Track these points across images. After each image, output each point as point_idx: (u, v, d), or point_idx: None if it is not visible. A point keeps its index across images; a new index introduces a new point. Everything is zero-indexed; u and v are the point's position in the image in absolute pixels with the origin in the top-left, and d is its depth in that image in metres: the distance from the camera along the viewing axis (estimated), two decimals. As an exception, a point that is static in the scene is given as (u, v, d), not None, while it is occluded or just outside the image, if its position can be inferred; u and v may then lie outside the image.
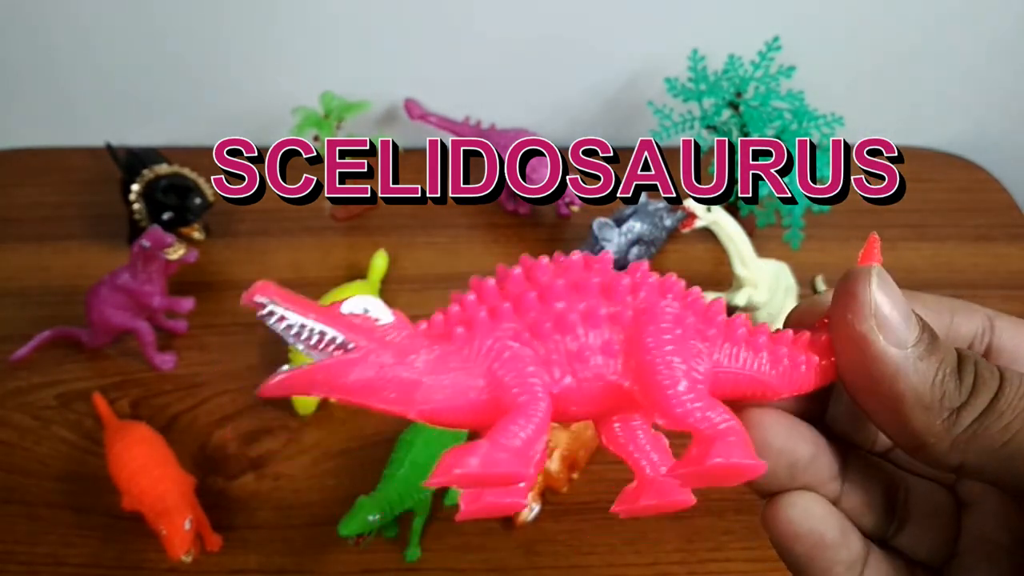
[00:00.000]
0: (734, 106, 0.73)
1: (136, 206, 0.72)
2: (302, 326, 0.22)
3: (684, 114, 0.75)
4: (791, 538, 0.25)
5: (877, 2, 0.80)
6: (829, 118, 0.71)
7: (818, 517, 0.25)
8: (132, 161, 0.74)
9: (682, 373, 0.23)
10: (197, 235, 0.74)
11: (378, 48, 0.82)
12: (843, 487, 0.27)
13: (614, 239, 0.68)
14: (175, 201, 0.72)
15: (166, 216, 0.72)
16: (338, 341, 0.22)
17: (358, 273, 0.72)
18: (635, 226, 0.70)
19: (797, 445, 0.25)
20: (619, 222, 0.70)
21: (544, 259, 0.25)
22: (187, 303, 0.66)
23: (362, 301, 0.23)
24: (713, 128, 0.75)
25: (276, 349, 0.65)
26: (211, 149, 0.83)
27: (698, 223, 0.63)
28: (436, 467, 0.21)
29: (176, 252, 0.63)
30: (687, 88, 0.74)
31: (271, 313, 0.22)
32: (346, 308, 0.23)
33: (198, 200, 0.72)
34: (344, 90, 0.77)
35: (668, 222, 0.73)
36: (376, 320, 0.23)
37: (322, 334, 0.22)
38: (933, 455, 0.23)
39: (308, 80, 0.80)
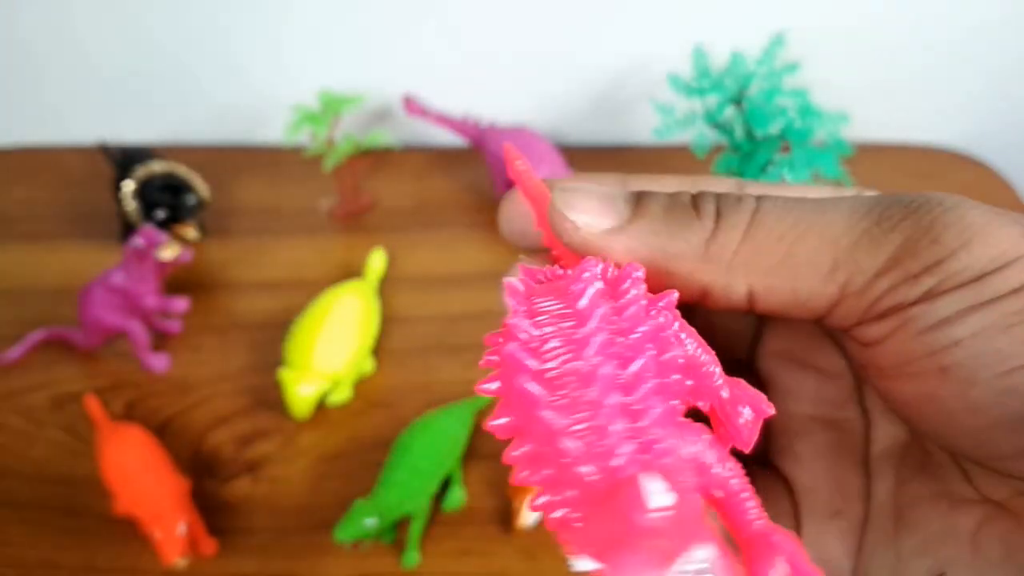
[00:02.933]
0: (737, 103, 0.72)
1: (129, 205, 0.71)
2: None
3: (687, 111, 0.74)
4: None
5: (882, -3, 0.79)
6: (834, 115, 0.70)
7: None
8: (125, 159, 0.73)
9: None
10: (191, 234, 0.73)
11: (373, 44, 0.82)
12: None
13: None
14: (169, 199, 0.71)
15: (160, 215, 0.71)
16: None
17: (356, 273, 0.71)
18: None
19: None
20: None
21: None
22: (181, 303, 0.65)
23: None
24: (716, 125, 0.74)
25: (271, 350, 0.64)
26: (206, 147, 0.83)
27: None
28: None
29: (170, 251, 0.63)
30: (690, 85, 0.73)
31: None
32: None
33: (192, 199, 0.71)
34: (340, 87, 0.76)
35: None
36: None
37: None
38: (718, 293, 0.22)
39: (304, 77, 0.79)
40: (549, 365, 0.20)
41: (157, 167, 0.72)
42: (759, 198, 0.22)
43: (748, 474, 0.22)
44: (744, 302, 0.22)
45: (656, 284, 0.22)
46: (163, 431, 0.61)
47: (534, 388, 0.19)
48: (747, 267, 0.22)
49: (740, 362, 0.28)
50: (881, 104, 0.85)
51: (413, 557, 0.54)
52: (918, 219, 0.21)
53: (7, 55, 0.82)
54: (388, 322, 0.69)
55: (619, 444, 0.19)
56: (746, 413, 0.22)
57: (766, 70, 0.72)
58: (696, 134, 0.75)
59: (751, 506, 0.20)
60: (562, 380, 0.20)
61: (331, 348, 0.61)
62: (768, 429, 0.26)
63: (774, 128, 0.70)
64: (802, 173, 0.68)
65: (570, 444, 0.19)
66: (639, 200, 0.23)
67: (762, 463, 0.27)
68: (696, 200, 0.22)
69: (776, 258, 0.21)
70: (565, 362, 0.20)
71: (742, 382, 0.22)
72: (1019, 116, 0.88)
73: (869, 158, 0.80)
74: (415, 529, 0.55)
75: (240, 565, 0.55)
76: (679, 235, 0.22)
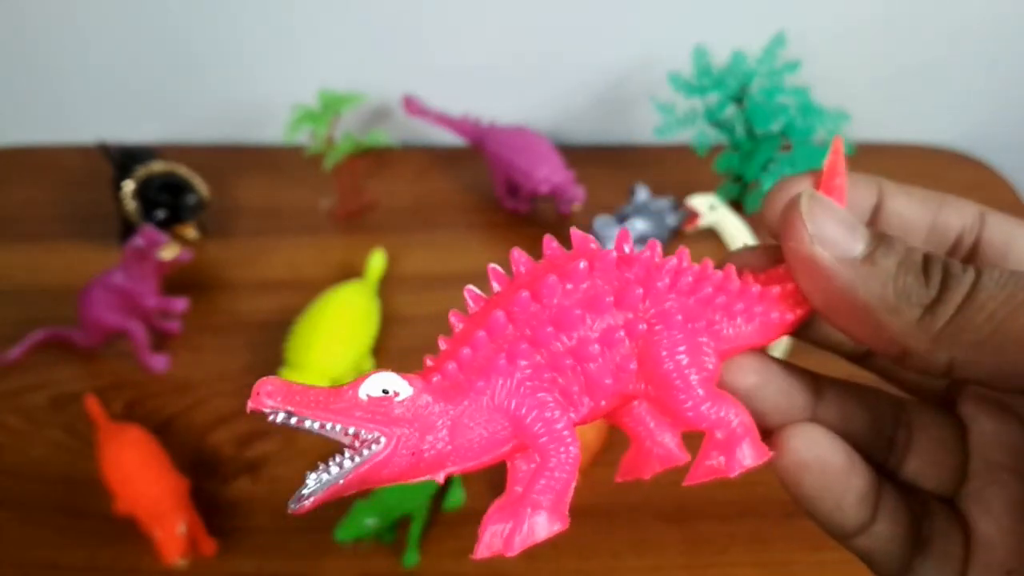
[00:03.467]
0: (738, 101, 0.72)
1: (130, 204, 0.71)
2: (323, 426, 0.22)
3: (687, 110, 0.74)
4: (799, 469, 0.25)
5: (883, -3, 0.79)
6: (835, 114, 0.70)
7: (823, 445, 0.25)
8: (125, 159, 0.73)
9: (696, 381, 0.24)
10: (191, 234, 0.73)
11: (373, 44, 0.82)
12: (826, 420, 0.26)
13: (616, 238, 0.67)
14: (169, 199, 0.71)
15: (160, 215, 0.71)
16: (362, 435, 0.22)
17: (355, 273, 0.71)
18: (637, 224, 0.69)
19: (773, 380, 0.26)
20: (621, 220, 0.69)
21: (550, 267, 0.24)
22: (181, 303, 0.65)
23: (380, 380, 0.22)
24: (717, 124, 0.74)
25: (271, 350, 0.64)
26: (206, 147, 0.83)
27: (701, 222, 0.62)
28: (480, 539, 0.22)
29: (170, 251, 0.63)
30: (691, 83, 0.73)
31: (287, 417, 0.21)
32: (364, 391, 0.22)
33: (193, 198, 0.71)
34: (340, 86, 0.76)
35: (671, 220, 0.73)
36: (395, 396, 0.22)
37: (343, 429, 0.22)
38: (919, 358, 0.23)
39: (304, 77, 0.79)
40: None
41: (157, 167, 0.72)
42: (979, 272, 0.22)
43: (927, 506, 0.25)
44: (943, 371, 0.23)
45: (854, 326, 0.23)
46: (163, 431, 0.61)
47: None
48: (953, 340, 0.22)
49: (938, 396, 0.28)
50: (881, 104, 0.85)
51: (413, 557, 0.54)
52: None
53: (8, 55, 0.82)
54: (388, 322, 0.68)
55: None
56: (666, 440, 0.25)
57: (767, 69, 0.72)
58: (697, 133, 0.75)
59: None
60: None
61: (331, 348, 0.61)
62: (962, 469, 0.26)
63: (775, 126, 0.70)
64: (802, 171, 0.68)
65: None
66: (878, 244, 0.23)
67: (946, 499, 0.27)
68: (926, 265, 0.23)
69: (984, 334, 0.22)
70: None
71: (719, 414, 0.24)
72: (1019, 116, 0.88)
73: (869, 158, 0.80)
74: (415, 529, 0.55)
75: (240, 565, 0.55)
76: (903, 296, 0.22)
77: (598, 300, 0.24)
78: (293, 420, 0.21)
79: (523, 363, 0.23)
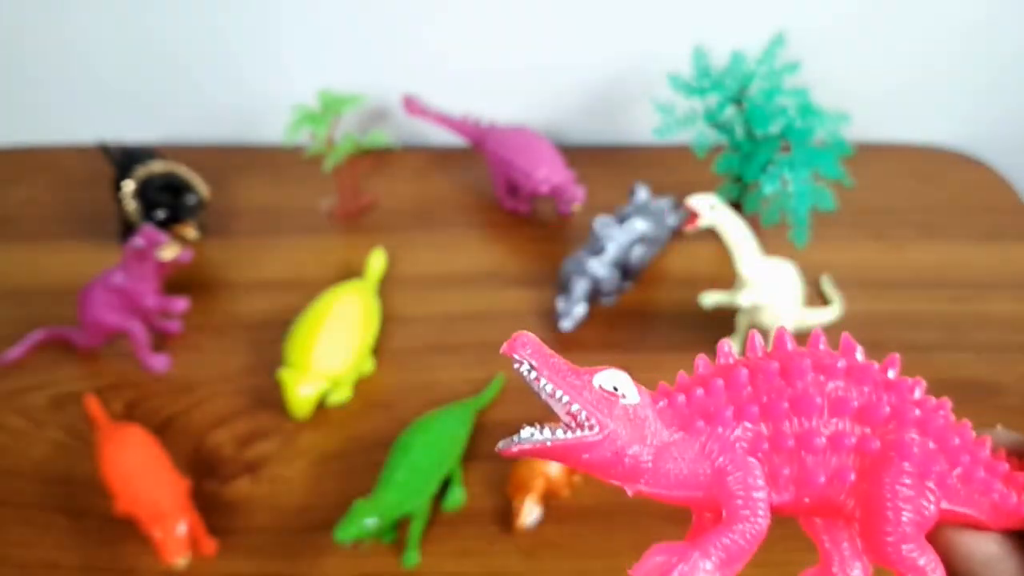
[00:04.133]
0: (738, 102, 0.72)
1: (130, 204, 0.71)
2: (554, 392, 0.23)
3: (687, 110, 0.74)
4: None
5: (882, -3, 0.79)
6: (835, 115, 0.70)
7: None
8: (125, 159, 0.73)
9: (908, 519, 0.23)
10: (191, 234, 0.73)
11: (373, 44, 0.82)
12: None
13: (616, 237, 0.68)
14: (169, 199, 0.71)
15: (160, 215, 0.71)
16: (582, 417, 0.23)
17: (356, 273, 0.71)
18: (637, 224, 0.69)
19: (985, 545, 0.25)
20: (621, 220, 0.69)
21: (813, 350, 0.25)
22: (181, 303, 0.65)
23: (614, 377, 0.24)
24: (716, 125, 0.74)
25: (271, 350, 0.64)
26: (206, 147, 0.83)
27: (701, 222, 0.62)
28: (642, 560, 0.23)
29: (170, 251, 0.63)
30: (690, 84, 0.73)
31: (529, 371, 0.23)
32: (598, 381, 0.23)
33: (192, 199, 0.71)
34: (340, 87, 0.76)
35: (671, 220, 0.73)
36: (622, 398, 0.24)
37: (569, 403, 0.23)
38: None
39: (304, 77, 0.79)
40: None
41: (157, 167, 0.72)
42: None
43: None
44: None
45: None
46: (163, 431, 0.61)
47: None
48: None
49: None
50: (881, 104, 0.85)
51: (413, 557, 0.54)
52: None
53: (7, 55, 0.82)
54: (388, 322, 0.68)
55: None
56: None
57: (766, 70, 0.72)
58: (696, 134, 0.75)
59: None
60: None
61: (331, 348, 0.61)
62: None
63: (774, 127, 0.70)
64: (802, 173, 0.68)
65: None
66: None
67: None
68: None
69: None
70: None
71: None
72: (1019, 116, 0.88)
73: (869, 158, 0.80)
74: (415, 529, 0.55)
75: (240, 565, 0.55)
76: None
77: (843, 402, 0.24)
78: (533, 375, 0.23)
79: (748, 425, 0.24)
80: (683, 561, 0.22)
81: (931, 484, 0.24)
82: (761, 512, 0.23)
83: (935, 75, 0.84)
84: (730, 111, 0.73)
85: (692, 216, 0.62)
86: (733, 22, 0.78)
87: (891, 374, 0.25)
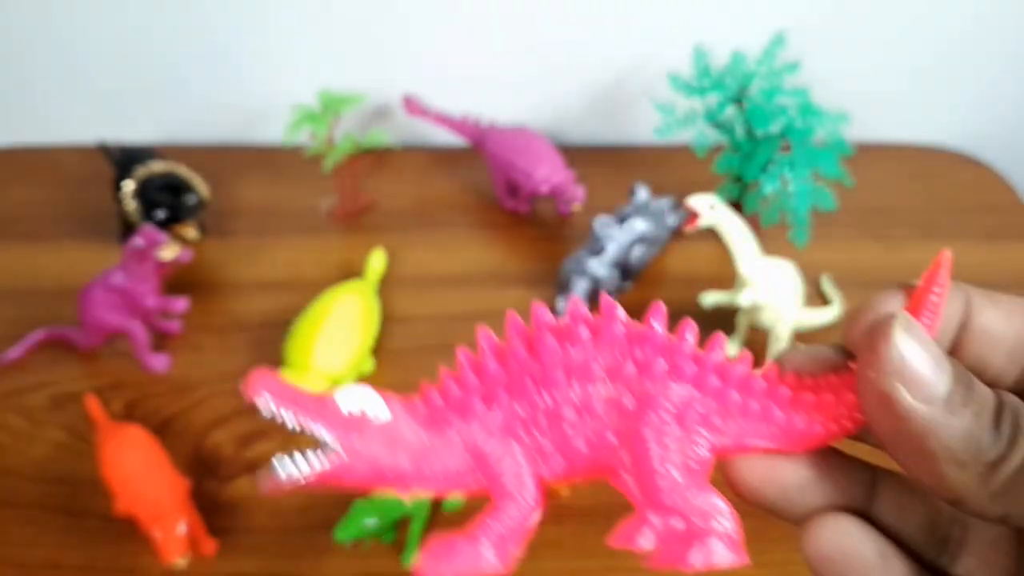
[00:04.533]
0: (738, 102, 0.72)
1: (130, 204, 0.71)
2: (300, 426, 0.24)
3: (687, 110, 0.74)
4: (822, 562, 0.24)
5: (883, -3, 0.79)
6: (835, 115, 0.70)
7: (851, 539, 0.24)
8: (125, 159, 0.73)
9: (678, 469, 0.24)
10: (191, 234, 0.73)
11: (373, 44, 0.82)
12: (879, 510, 0.25)
13: (616, 237, 0.67)
14: (169, 199, 0.71)
15: (160, 215, 0.71)
16: (331, 441, 0.24)
17: (355, 273, 0.71)
18: (637, 224, 0.69)
19: (781, 474, 0.25)
20: (621, 220, 0.69)
21: (554, 329, 0.25)
22: (181, 303, 0.65)
23: (358, 395, 0.24)
24: (717, 125, 0.74)
25: (271, 350, 0.64)
26: (206, 147, 0.82)
27: (701, 222, 0.62)
28: (425, 556, 0.24)
29: (170, 251, 0.63)
30: (690, 84, 0.73)
31: (271, 410, 0.23)
32: (344, 404, 0.24)
33: (192, 199, 0.71)
34: (340, 86, 0.76)
35: (671, 220, 0.72)
36: (371, 414, 0.24)
37: (317, 433, 0.24)
38: (972, 509, 0.22)
39: (304, 77, 0.79)
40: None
41: (157, 167, 0.72)
42: None
43: None
44: (995, 520, 0.22)
45: (911, 464, 0.22)
46: (163, 431, 0.61)
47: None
48: (1010, 498, 0.21)
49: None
50: (881, 104, 0.85)
51: (413, 557, 0.54)
52: None
53: (7, 55, 0.82)
54: (388, 322, 0.68)
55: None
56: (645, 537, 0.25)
57: (766, 69, 0.72)
58: (696, 133, 0.75)
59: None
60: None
61: (331, 348, 0.61)
62: (1018, 573, 0.25)
63: (775, 127, 0.70)
64: (802, 172, 0.68)
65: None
66: (959, 389, 0.22)
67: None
68: (998, 415, 0.22)
69: None
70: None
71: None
72: (1019, 116, 0.88)
73: (869, 158, 0.80)
74: (415, 529, 0.55)
75: (240, 565, 0.55)
76: (971, 452, 0.21)
77: (586, 368, 0.24)
78: (278, 415, 0.23)
79: (499, 411, 0.25)
80: (461, 551, 0.23)
81: (695, 427, 0.24)
82: (527, 487, 0.24)
83: (935, 75, 0.84)
84: (730, 111, 0.73)
85: (692, 216, 0.62)
86: (733, 22, 0.78)
87: (657, 327, 0.25)
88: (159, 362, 0.65)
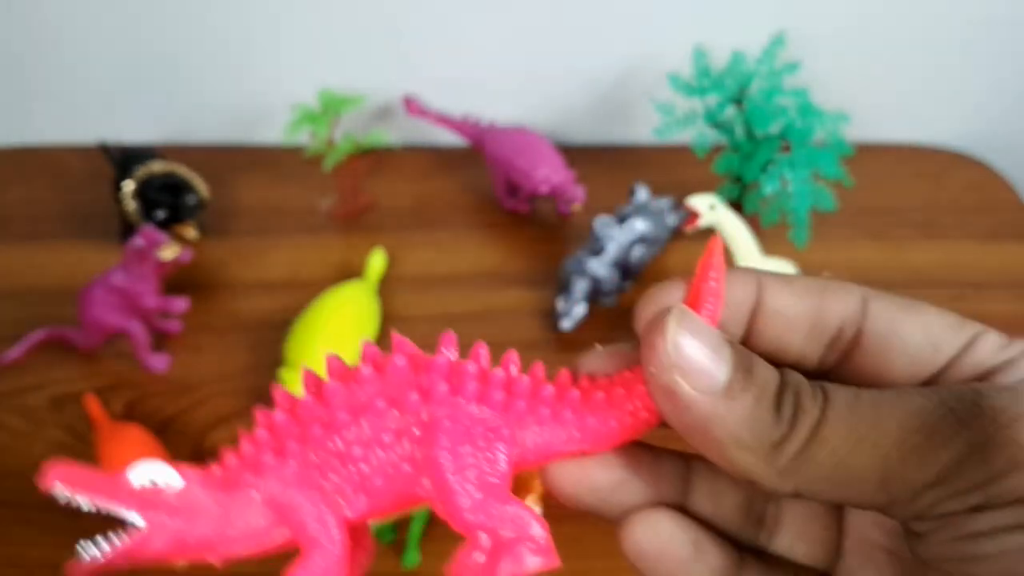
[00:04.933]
0: (738, 103, 0.72)
1: (130, 204, 0.71)
2: (96, 508, 0.24)
3: (687, 110, 0.74)
4: (638, 559, 0.25)
5: (883, -3, 0.79)
6: (835, 115, 0.70)
7: (664, 533, 0.25)
8: (125, 159, 0.73)
9: (476, 486, 0.24)
10: (191, 234, 0.73)
11: (373, 44, 0.82)
12: (694, 499, 0.26)
13: (616, 237, 0.67)
14: (169, 199, 0.71)
15: (160, 215, 0.71)
16: (129, 519, 0.24)
17: (356, 273, 0.71)
18: (637, 224, 0.69)
19: (592, 476, 0.25)
20: (621, 220, 0.69)
21: (339, 372, 0.25)
22: (181, 303, 0.65)
23: (148, 470, 0.25)
24: (717, 125, 0.74)
25: (271, 350, 0.64)
26: (206, 147, 0.82)
27: (701, 222, 0.62)
28: None
29: (170, 251, 0.63)
30: (690, 84, 0.73)
31: (66, 497, 0.24)
32: (136, 480, 0.24)
33: (192, 199, 0.71)
34: (340, 87, 0.76)
35: (671, 220, 0.72)
36: (164, 487, 0.25)
37: (113, 513, 0.24)
38: (765, 487, 0.23)
39: (304, 77, 0.79)
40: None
41: (157, 167, 0.72)
42: (825, 400, 0.22)
43: None
44: (789, 496, 0.23)
45: (705, 450, 0.23)
46: (163, 431, 0.61)
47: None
48: (797, 475, 0.22)
49: None
50: (881, 104, 0.85)
51: (413, 557, 0.54)
52: (970, 437, 0.21)
53: (7, 55, 0.81)
54: (388, 322, 0.68)
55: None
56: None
57: (766, 70, 0.72)
58: (696, 134, 0.75)
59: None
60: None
61: (331, 348, 0.61)
62: (837, 544, 0.26)
63: (774, 128, 0.70)
64: (802, 173, 0.68)
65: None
66: (739, 375, 0.22)
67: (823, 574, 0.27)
68: (779, 396, 0.22)
69: (827, 470, 0.22)
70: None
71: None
72: (1019, 116, 0.88)
73: (869, 158, 0.80)
74: (415, 529, 0.55)
75: (240, 565, 0.55)
76: (754, 436, 0.22)
77: (370, 405, 0.25)
78: (74, 501, 0.24)
79: (292, 461, 0.25)
80: None
81: (487, 442, 0.25)
82: (331, 535, 0.24)
83: (935, 75, 0.84)
84: (730, 111, 0.73)
85: (692, 216, 0.62)
86: (733, 22, 0.78)
87: (448, 354, 0.25)
88: (159, 362, 0.65)
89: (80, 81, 0.83)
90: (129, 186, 0.71)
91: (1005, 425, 0.21)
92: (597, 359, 0.26)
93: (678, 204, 0.72)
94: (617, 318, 0.69)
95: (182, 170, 0.72)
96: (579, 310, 0.67)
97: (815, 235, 0.71)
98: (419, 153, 0.85)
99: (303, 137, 0.74)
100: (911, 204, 0.81)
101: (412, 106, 0.82)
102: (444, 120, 0.82)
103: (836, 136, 0.70)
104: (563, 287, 0.68)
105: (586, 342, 0.67)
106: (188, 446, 0.61)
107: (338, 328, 0.62)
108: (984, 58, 0.83)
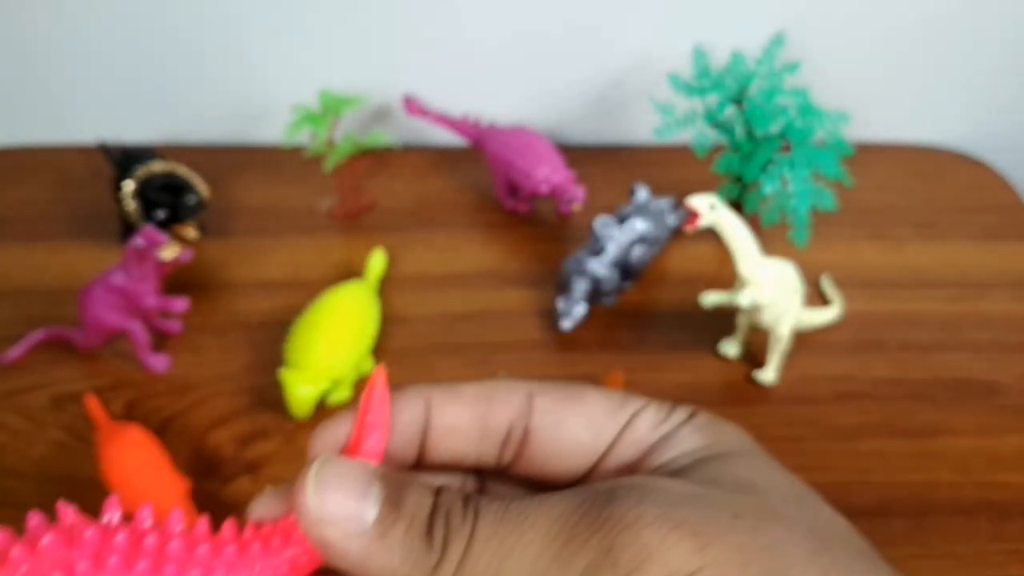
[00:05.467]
0: (738, 102, 0.72)
1: (130, 204, 0.71)
2: None
3: (687, 110, 0.74)
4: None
5: (882, -3, 0.79)
6: (835, 115, 0.70)
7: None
8: (125, 159, 0.73)
9: None
10: (191, 234, 0.73)
11: (373, 44, 0.82)
12: None
13: (616, 237, 0.68)
14: (169, 199, 0.71)
15: (160, 215, 0.71)
16: None
17: (355, 273, 0.71)
18: (637, 224, 0.69)
19: None
20: (621, 220, 0.69)
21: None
22: (181, 303, 0.65)
23: None
24: (716, 125, 0.74)
25: (272, 350, 0.64)
26: (206, 147, 0.82)
27: (701, 222, 0.62)
28: None
29: (170, 251, 0.63)
30: (690, 84, 0.73)
31: None
32: None
33: (192, 199, 0.71)
34: (340, 87, 0.76)
35: (671, 220, 0.72)
36: None
37: None
38: None
39: (304, 77, 0.79)
40: None
41: (157, 167, 0.72)
42: (476, 517, 0.23)
43: None
44: None
45: None
46: (163, 431, 0.61)
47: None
48: None
49: None
50: (881, 104, 0.85)
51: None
52: (600, 540, 0.21)
53: (7, 55, 0.82)
54: (388, 322, 0.68)
55: None
56: None
57: (766, 70, 0.72)
58: (696, 134, 0.75)
59: None
60: None
61: (331, 348, 0.61)
62: None
63: (774, 128, 0.70)
64: (802, 172, 0.68)
65: None
66: (388, 510, 0.23)
67: None
68: (431, 522, 0.23)
69: None
70: None
71: None
72: (1019, 116, 0.88)
73: (869, 158, 0.80)
74: (415, 529, 0.55)
75: (240, 565, 0.55)
76: (410, 564, 0.23)
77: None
78: None
79: None
80: None
81: None
82: None
83: (935, 75, 0.85)
84: (730, 111, 0.73)
85: (692, 216, 0.62)
86: (733, 22, 0.78)
87: (112, 518, 0.26)
88: (159, 362, 0.65)
89: (80, 81, 0.83)
90: (129, 186, 0.71)
91: (629, 525, 0.21)
92: (265, 505, 0.26)
93: (678, 204, 0.72)
94: (617, 318, 0.69)
95: (182, 170, 0.72)
96: (579, 310, 0.67)
97: (815, 235, 0.71)
98: (419, 153, 0.86)
99: (303, 137, 0.74)
100: (911, 204, 0.81)
101: (412, 106, 0.83)
102: (444, 120, 0.82)
103: (836, 136, 0.70)
104: (563, 287, 0.68)
105: (586, 342, 0.67)
106: (188, 446, 0.61)
107: (338, 328, 0.62)
108: (984, 58, 0.83)
